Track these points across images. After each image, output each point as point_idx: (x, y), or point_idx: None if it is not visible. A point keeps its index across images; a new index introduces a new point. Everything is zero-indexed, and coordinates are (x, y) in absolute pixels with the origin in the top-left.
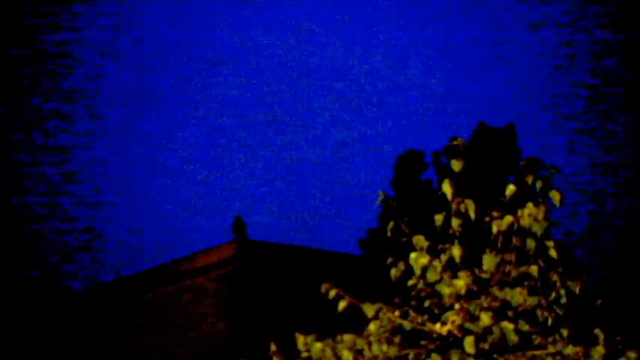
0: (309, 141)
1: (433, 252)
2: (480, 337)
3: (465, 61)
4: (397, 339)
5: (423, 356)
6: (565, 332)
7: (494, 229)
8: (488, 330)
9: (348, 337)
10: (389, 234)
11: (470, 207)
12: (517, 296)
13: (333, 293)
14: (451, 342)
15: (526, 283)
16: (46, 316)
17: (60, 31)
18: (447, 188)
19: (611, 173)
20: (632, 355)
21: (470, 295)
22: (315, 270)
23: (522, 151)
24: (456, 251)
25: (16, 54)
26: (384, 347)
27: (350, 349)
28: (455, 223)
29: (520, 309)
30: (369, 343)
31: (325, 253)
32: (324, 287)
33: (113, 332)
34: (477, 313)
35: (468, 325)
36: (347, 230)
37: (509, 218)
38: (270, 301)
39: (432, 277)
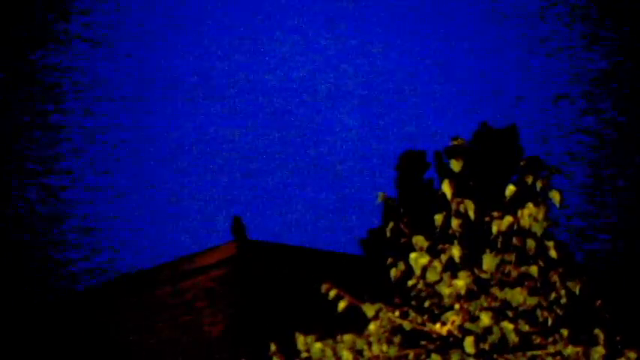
0: (310, 140)
1: (433, 252)
2: (480, 337)
3: (468, 60)
4: (397, 339)
5: (423, 356)
6: (565, 332)
7: (494, 230)
8: (488, 330)
9: (348, 337)
10: (388, 234)
11: (469, 207)
12: (517, 296)
13: (333, 293)
14: (451, 342)
15: (526, 283)
16: (46, 316)
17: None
18: (446, 188)
19: (612, 173)
20: (631, 355)
21: (470, 295)
22: (315, 270)
23: (524, 152)
24: (456, 251)
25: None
26: (384, 347)
27: (350, 349)
28: (455, 223)
29: (520, 309)
30: (369, 343)
31: (325, 253)
32: (324, 287)
33: (113, 332)
34: (476, 313)
35: (468, 325)
36: (348, 230)
37: (509, 218)
38: (270, 301)
39: (432, 277)
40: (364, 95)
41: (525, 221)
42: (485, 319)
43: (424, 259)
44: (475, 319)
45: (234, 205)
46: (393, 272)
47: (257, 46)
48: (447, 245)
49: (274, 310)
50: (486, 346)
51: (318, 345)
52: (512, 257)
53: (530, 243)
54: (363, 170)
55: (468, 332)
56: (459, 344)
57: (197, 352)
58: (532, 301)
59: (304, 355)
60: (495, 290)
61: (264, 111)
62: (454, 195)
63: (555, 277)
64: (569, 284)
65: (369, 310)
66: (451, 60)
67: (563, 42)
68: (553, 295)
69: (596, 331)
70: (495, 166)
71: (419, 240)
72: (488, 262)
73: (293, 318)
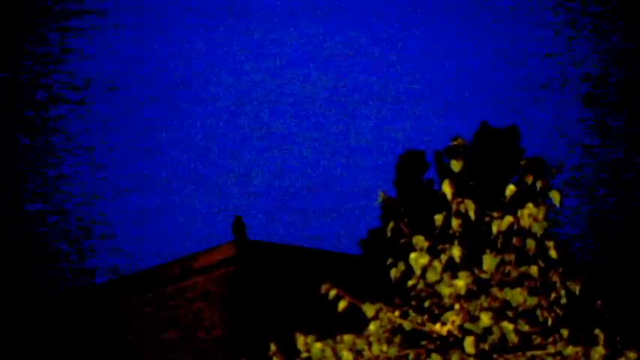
0: (310, 140)
1: (433, 252)
2: (480, 338)
3: (469, 60)
4: (397, 339)
5: (423, 356)
6: (565, 332)
7: (494, 230)
8: (488, 330)
9: (348, 337)
10: (388, 234)
11: (470, 207)
12: (517, 296)
13: (333, 293)
14: (451, 342)
15: (526, 283)
16: (46, 316)
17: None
18: (446, 188)
19: (613, 172)
20: (631, 355)
21: (470, 296)
22: (315, 270)
23: (525, 152)
24: (456, 251)
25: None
26: (384, 347)
27: (350, 349)
28: (455, 223)
29: (520, 309)
30: (369, 343)
31: (325, 253)
32: (324, 287)
33: (113, 332)
34: (476, 313)
35: (467, 325)
36: (347, 230)
37: (509, 218)
38: (270, 301)
39: (432, 277)
40: (364, 95)
41: (525, 221)
42: (485, 319)
43: (424, 259)
44: (475, 319)
45: (235, 205)
46: (393, 272)
47: (255, 44)
48: (447, 245)
49: (274, 310)
50: (486, 346)
51: (318, 345)
52: (512, 257)
53: (530, 243)
54: (363, 170)
55: (468, 332)
56: (459, 344)
57: (197, 352)
58: (532, 301)
59: (304, 355)
60: (495, 290)
61: (264, 110)
62: (454, 195)
63: (555, 277)
64: (569, 284)
65: (369, 310)
66: (452, 59)
67: (567, 41)
68: (553, 295)
69: (596, 331)
70: (495, 166)
71: (419, 240)
72: (488, 262)
73: (293, 318)
